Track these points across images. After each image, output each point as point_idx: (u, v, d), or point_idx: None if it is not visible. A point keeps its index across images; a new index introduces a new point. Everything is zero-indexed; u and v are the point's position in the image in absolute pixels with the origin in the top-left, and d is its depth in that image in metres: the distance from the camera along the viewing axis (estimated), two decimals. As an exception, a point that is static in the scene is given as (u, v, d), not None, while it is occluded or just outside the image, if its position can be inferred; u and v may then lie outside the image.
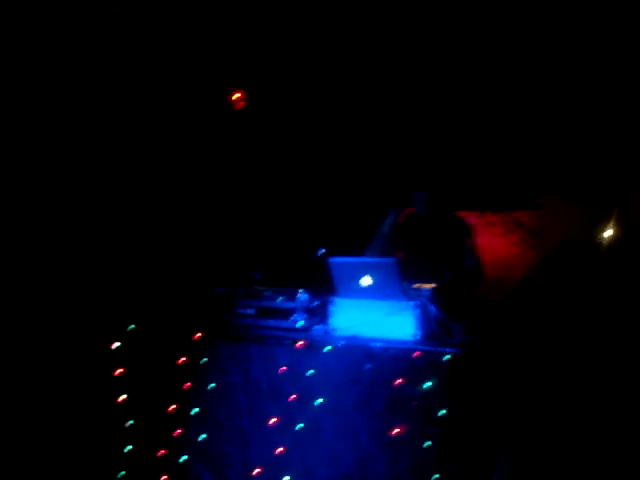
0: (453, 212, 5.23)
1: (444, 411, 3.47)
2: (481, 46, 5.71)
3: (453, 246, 5.07)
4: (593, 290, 6.49)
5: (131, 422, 4.28)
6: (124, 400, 4.28)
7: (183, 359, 4.16)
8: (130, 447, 4.26)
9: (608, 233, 6.96)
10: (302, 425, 3.80)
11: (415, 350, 3.61)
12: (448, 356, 3.52)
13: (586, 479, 3.66)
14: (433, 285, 4.07)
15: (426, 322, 3.78)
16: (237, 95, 4.71)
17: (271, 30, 5.36)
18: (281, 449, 3.84)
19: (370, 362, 3.68)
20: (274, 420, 3.87)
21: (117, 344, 4.30)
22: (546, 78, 5.86)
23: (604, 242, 7.14)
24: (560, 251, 7.29)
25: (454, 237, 5.09)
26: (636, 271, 6.30)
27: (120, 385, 4.31)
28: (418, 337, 3.73)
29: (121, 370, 4.30)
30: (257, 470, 3.89)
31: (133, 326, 4.32)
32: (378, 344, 3.71)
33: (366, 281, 3.80)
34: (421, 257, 4.90)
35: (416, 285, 4.06)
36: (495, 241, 7.65)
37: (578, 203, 7.16)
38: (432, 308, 3.81)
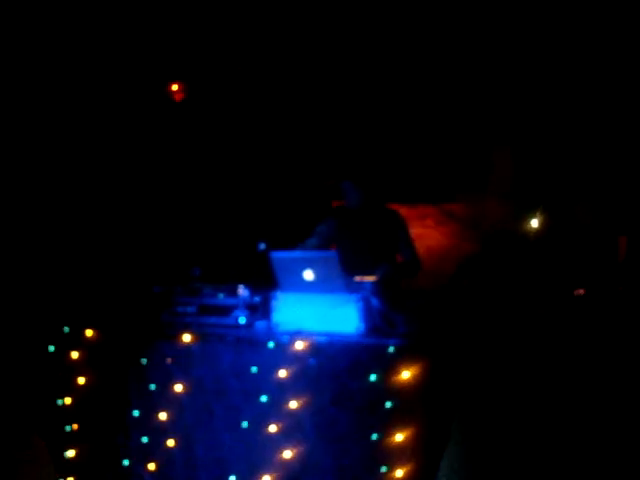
0: (385, 205, 5.24)
1: (390, 403, 3.48)
2: (411, 43, 5.76)
3: (387, 238, 5.08)
4: (524, 276, 6.65)
5: (68, 428, 4.16)
6: (64, 405, 4.16)
7: (122, 360, 4.06)
8: (71, 453, 4.14)
9: (535, 224, 7.14)
10: (247, 423, 3.76)
11: (359, 343, 3.60)
12: (392, 348, 3.53)
13: (533, 465, 3.73)
14: (374, 278, 4.08)
15: (369, 315, 3.77)
16: (175, 86, 4.60)
17: (209, 23, 5.28)
18: (226, 448, 3.79)
19: (314, 356, 3.66)
20: (218, 419, 3.82)
21: (52, 347, 4.18)
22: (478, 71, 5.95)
23: (532, 232, 7.33)
24: (491, 241, 7.46)
25: (388, 229, 5.10)
26: (561, 258, 6.48)
27: (57, 389, 4.18)
28: (362, 330, 3.72)
29: (58, 374, 4.19)
30: (202, 471, 3.83)
31: (68, 329, 4.20)
32: (322, 338, 3.69)
33: (309, 275, 3.78)
34: (355, 251, 4.89)
35: (358, 278, 4.06)
36: (428, 232, 7.78)
37: (506, 197, 7.35)
38: (374, 300, 3.81)
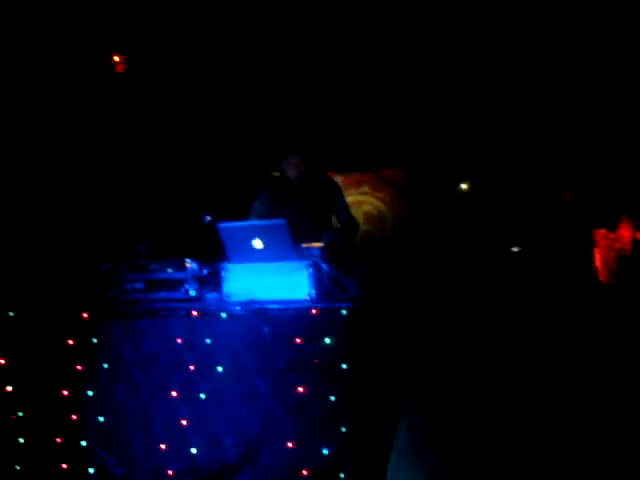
0: (320, 172, 5.27)
1: (345, 365, 3.54)
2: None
3: (324, 205, 5.13)
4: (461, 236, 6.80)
5: (20, 413, 4.08)
6: (10, 391, 4.07)
7: (71, 341, 4.00)
8: (22, 440, 4.07)
9: (463, 187, 7.30)
10: (205, 395, 3.77)
11: (311, 308, 3.65)
12: (344, 311, 3.58)
13: (486, 428, 3.83)
14: (321, 244, 4.11)
15: (319, 280, 3.81)
16: (116, 58, 4.50)
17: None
18: (185, 422, 3.79)
19: (268, 325, 3.68)
20: (175, 393, 3.81)
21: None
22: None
23: (460, 194, 7.50)
24: (425, 206, 7.61)
25: (324, 196, 5.15)
26: (496, 216, 6.64)
27: (4, 376, 4.09)
28: (313, 296, 3.76)
29: (2, 361, 4.10)
30: (162, 446, 3.83)
31: (12, 313, 4.11)
32: (274, 306, 3.72)
33: (258, 244, 3.78)
34: (293, 219, 4.92)
35: (305, 245, 4.09)
36: (364, 199, 7.88)
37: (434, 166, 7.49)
38: (324, 266, 3.85)
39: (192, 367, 3.78)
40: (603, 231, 5.28)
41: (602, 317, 4.55)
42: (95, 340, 3.97)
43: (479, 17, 5.79)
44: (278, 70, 5.96)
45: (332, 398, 3.55)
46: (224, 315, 3.76)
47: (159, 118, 5.71)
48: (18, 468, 4.07)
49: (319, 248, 4.03)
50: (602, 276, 5.49)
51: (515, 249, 5.94)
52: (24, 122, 5.28)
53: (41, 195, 5.24)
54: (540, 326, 4.32)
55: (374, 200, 7.84)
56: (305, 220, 4.95)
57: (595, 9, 5.47)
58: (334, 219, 5.17)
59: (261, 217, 5.05)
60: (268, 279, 3.83)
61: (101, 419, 3.93)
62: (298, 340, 3.61)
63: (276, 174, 5.20)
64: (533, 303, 4.55)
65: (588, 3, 5.47)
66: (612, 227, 5.42)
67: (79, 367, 3.99)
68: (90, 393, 3.95)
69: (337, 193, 5.20)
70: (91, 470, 3.94)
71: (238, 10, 5.35)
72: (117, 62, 4.45)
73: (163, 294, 4.05)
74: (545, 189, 6.39)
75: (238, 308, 3.77)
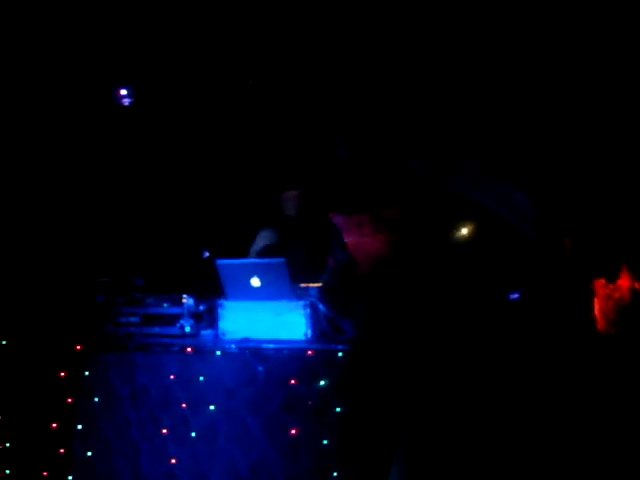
0: (319, 211, 5.27)
1: (340, 408, 3.50)
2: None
3: (321, 244, 5.12)
4: (455, 279, 6.77)
5: (7, 444, 4.02)
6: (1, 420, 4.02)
7: (63, 373, 3.96)
8: (8, 471, 4.01)
9: (464, 231, 7.30)
10: (195, 433, 3.71)
11: (307, 349, 3.62)
12: (341, 353, 3.55)
13: (483, 472, 3.78)
14: (320, 284, 4.09)
15: (316, 321, 3.79)
16: (124, 91, 4.53)
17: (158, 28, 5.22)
18: (174, 460, 3.74)
19: (263, 364, 3.65)
20: (165, 430, 3.76)
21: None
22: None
23: (460, 239, 7.50)
24: (421, 246, 7.61)
25: (321, 235, 5.14)
26: (495, 263, 6.63)
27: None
28: (309, 336, 3.74)
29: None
30: (150, 483, 3.77)
31: (4, 342, 4.08)
32: (270, 345, 3.69)
33: (256, 282, 3.77)
34: (292, 258, 4.91)
35: (303, 284, 4.07)
36: (365, 240, 7.88)
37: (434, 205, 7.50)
38: (321, 306, 3.83)
39: (184, 405, 3.74)
40: (602, 281, 5.27)
41: (600, 367, 4.52)
42: (87, 373, 3.93)
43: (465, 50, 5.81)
44: (279, 108, 5.99)
45: (325, 442, 3.50)
46: (219, 353, 3.72)
47: (160, 152, 5.73)
48: (3, 501, 4.01)
49: (317, 288, 4.01)
50: (600, 326, 5.47)
51: (514, 296, 5.92)
52: (31, 151, 5.30)
53: (39, 224, 5.24)
54: (537, 376, 4.29)
55: (375, 241, 7.83)
56: (302, 259, 4.94)
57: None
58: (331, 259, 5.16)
59: (266, 247, 5.04)
60: (264, 318, 3.81)
61: (89, 454, 3.88)
62: (292, 381, 3.57)
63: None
64: (530, 352, 4.52)
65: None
66: (611, 277, 5.40)
67: (70, 400, 3.94)
68: (80, 427, 3.90)
69: (333, 232, 5.20)
70: (77, 505, 3.88)
71: (241, 48, 5.41)
72: (123, 95, 4.47)
73: (158, 329, 4.02)
74: (546, 236, 6.40)
75: (233, 346, 3.74)
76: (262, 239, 5.12)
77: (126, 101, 4.57)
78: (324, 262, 5.07)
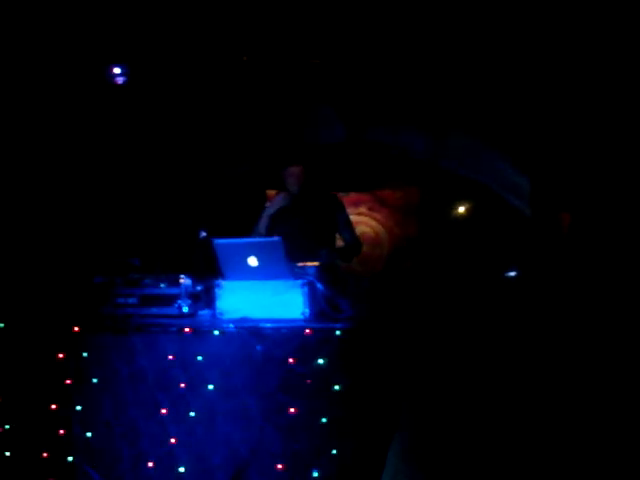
0: (323, 189, 5.26)
1: (338, 387, 3.50)
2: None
3: (327, 222, 5.11)
4: (458, 260, 6.77)
5: (7, 426, 4.02)
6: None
7: (61, 355, 3.95)
8: (8, 453, 4.01)
9: (462, 209, 7.29)
10: (194, 413, 3.72)
11: (305, 328, 3.61)
12: (339, 332, 3.55)
13: (482, 450, 3.79)
14: (317, 263, 4.09)
15: (314, 300, 3.79)
16: (117, 70, 4.48)
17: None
18: (174, 439, 3.74)
19: (261, 343, 3.64)
20: (164, 410, 3.76)
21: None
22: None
23: (458, 217, 7.48)
24: (422, 227, 7.60)
25: (327, 213, 5.13)
26: (492, 240, 6.62)
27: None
28: (307, 315, 3.74)
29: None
30: (150, 464, 3.77)
31: (2, 325, 4.06)
32: (268, 325, 3.68)
33: (253, 261, 3.75)
34: (295, 235, 4.89)
35: (301, 263, 4.06)
36: (361, 219, 7.88)
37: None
38: (319, 285, 3.82)
39: (183, 385, 3.73)
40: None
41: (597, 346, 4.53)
42: (85, 354, 3.92)
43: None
44: (277, 85, 5.95)
45: (324, 420, 3.51)
46: (216, 332, 3.72)
47: (156, 131, 5.69)
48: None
49: (315, 267, 4.00)
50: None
51: (512, 274, 5.91)
52: (19, 134, 5.26)
53: (35, 206, 5.21)
54: (534, 349, 4.29)
55: (371, 221, 7.84)
56: (306, 236, 4.93)
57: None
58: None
59: (274, 218, 5.03)
60: (262, 297, 3.80)
61: (89, 434, 3.88)
62: (291, 360, 3.57)
63: (272, 192, 5.18)
64: (528, 326, 4.51)
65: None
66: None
67: (68, 381, 3.94)
68: (79, 408, 3.90)
69: (340, 210, 5.19)
70: (77, 486, 3.88)
71: (237, 24, 5.36)
72: (117, 74, 4.43)
73: (156, 310, 4.01)
74: (543, 212, 6.37)
75: (231, 326, 3.73)
76: (277, 203, 5.12)
77: (120, 80, 4.53)
78: (329, 239, 5.07)
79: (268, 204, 5.09)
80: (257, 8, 5.18)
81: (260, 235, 5.04)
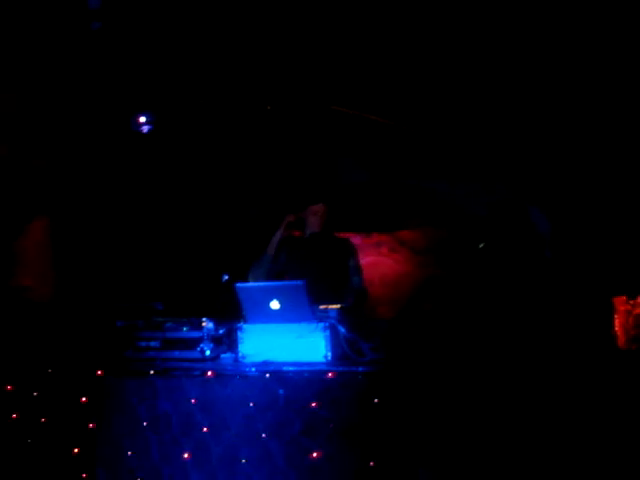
0: (334, 233, 5.28)
1: (361, 431, 3.48)
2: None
3: (339, 266, 5.12)
4: (477, 300, 6.73)
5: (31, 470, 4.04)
6: (22, 445, 4.03)
7: (84, 398, 3.98)
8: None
9: (482, 245, 7.26)
10: (216, 457, 3.71)
11: (328, 371, 3.60)
12: (361, 375, 3.54)
13: None
14: (339, 306, 4.09)
15: (336, 343, 3.79)
16: (142, 119, 4.58)
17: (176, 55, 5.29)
18: (196, 484, 3.73)
19: (283, 387, 3.64)
20: (187, 455, 3.76)
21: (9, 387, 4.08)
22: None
23: (481, 254, 7.45)
24: (441, 268, 7.57)
25: (339, 257, 5.15)
26: (513, 278, 6.58)
27: (15, 429, 4.06)
28: (329, 358, 3.74)
29: (15, 415, 4.07)
30: (172, 508, 3.76)
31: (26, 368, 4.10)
32: (290, 368, 3.68)
33: (275, 305, 3.77)
34: (308, 279, 4.91)
35: (322, 306, 4.07)
36: (382, 260, 7.86)
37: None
38: (341, 328, 3.83)
39: (205, 429, 3.74)
40: (623, 297, 5.24)
41: (621, 382, 4.47)
42: (108, 398, 3.94)
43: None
44: (297, 131, 6.02)
45: (347, 465, 3.48)
46: (239, 377, 3.72)
47: (178, 175, 5.77)
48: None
49: (336, 310, 4.01)
50: (621, 342, 5.43)
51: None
52: (50, 178, 5.36)
53: (59, 248, 5.28)
54: (558, 390, 4.24)
55: (392, 262, 7.83)
56: (317, 280, 4.94)
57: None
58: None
59: (277, 275, 5.05)
60: (284, 340, 3.81)
61: (111, 479, 3.88)
62: (313, 404, 3.56)
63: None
64: (552, 367, 4.47)
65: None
66: (632, 293, 5.37)
67: (91, 425, 3.95)
68: (101, 452, 3.91)
69: (351, 255, 5.20)
70: (99, 532, 3.87)
71: (259, 74, 5.45)
72: (143, 122, 4.52)
73: (178, 353, 4.04)
74: (565, 255, 6.35)
75: (253, 369, 3.74)
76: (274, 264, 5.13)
77: (145, 128, 4.62)
78: (343, 282, 5.08)
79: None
80: (279, 56, 5.28)
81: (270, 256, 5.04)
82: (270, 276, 5.07)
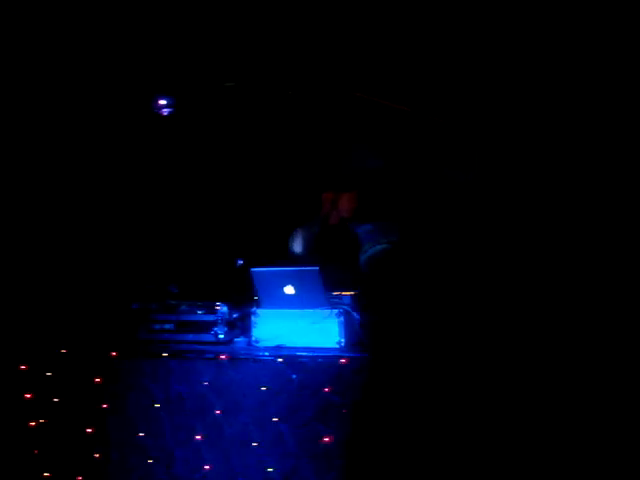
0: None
1: (373, 417, 3.50)
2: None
3: (350, 261, 5.11)
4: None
5: (44, 449, 4.08)
6: (36, 424, 4.08)
7: (98, 379, 4.01)
8: (47, 474, 4.06)
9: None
10: (229, 440, 3.73)
11: (341, 357, 3.62)
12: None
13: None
14: (353, 292, 4.10)
15: (350, 329, 3.80)
16: (163, 101, 4.57)
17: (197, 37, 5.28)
18: (208, 466, 3.76)
19: (296, 372, 3.66)
20: (199, 436, 3.79)
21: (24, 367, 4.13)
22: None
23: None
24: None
25: (350, 252, 5.13)
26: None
27: (31, 409, 4.11)
28: (343, 344, 3.75)
29: (29, 395, 4.12)
30: (184, 489, 3.80)
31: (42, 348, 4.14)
32: (303, 353, 3.70)
33: (289, 290, 3.78)
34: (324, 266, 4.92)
35: (336, 292, 4.07)
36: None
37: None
38: (355, 314, 3.84)
39: (218, 411, 3.76)
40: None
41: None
42: (122, 379, 3.98)
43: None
44: (316, 115, 5.99)
45: (358, 450, 3.50)
46: (252, 361, 3.74)
47: (195, 158, 5.76)
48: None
49: (350, 296, 4.01)
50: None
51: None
52: (67, 161, 5.37)
53: (75, 232, 5.30)
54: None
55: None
56: (333, 268, 4.94)
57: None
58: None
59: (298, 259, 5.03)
60: (298, 325, 3.82)
61: (124, 459, 3.91)
62: (326, 389, 3.57)
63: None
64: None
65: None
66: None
67: (105, 405, 3.99)
68: (114, 432, 3.94)
69: (357, 245, 5.18)
70: (111, 511, 3.92)
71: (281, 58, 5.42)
72: (163, 105, 4.51)
73: (192, 336, 4.06)
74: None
75: (267, 354, 3.76)
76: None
77: (165, 111, 4.61)
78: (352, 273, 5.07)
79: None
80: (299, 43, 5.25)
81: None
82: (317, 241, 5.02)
